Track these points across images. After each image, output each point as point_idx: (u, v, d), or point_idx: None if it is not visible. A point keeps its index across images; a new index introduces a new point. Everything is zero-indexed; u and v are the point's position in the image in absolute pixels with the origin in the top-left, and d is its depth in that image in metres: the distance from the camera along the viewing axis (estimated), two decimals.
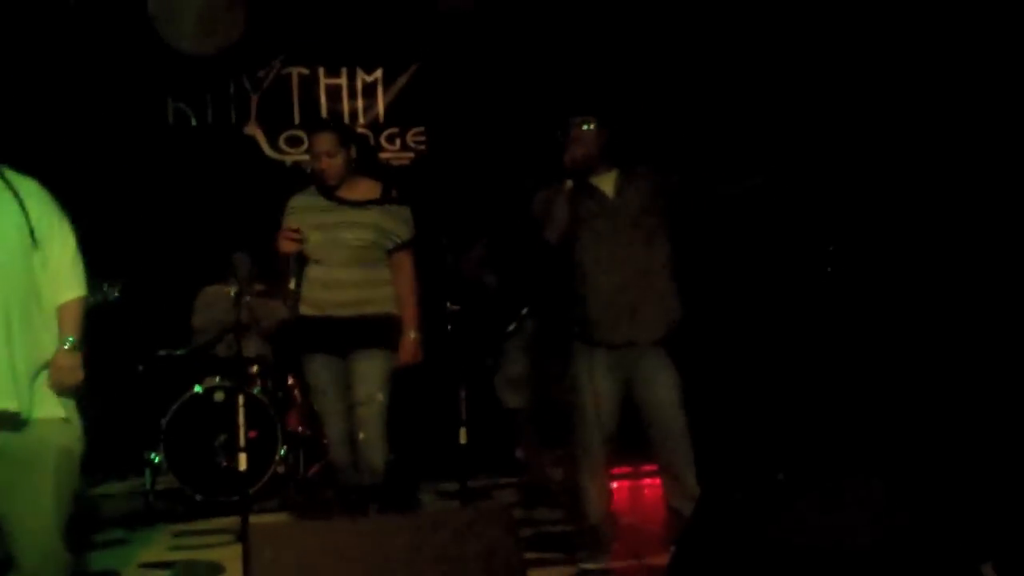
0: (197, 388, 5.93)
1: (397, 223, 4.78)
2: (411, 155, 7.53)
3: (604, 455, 4.45)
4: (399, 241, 4.77)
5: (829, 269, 5.03)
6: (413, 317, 4.77)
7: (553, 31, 7.05)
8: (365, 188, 4.83)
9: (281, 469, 5.92)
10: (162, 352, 6.38)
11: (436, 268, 4.95)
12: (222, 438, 5.84)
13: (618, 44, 6.86)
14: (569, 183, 4.30)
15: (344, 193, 4.78)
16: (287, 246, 4.63)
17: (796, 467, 4.93)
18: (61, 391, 3.61)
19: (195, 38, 6.60)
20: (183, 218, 7.08)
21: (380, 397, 4.69)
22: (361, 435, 4.69)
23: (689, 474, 4.36)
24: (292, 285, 4.67)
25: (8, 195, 3.62)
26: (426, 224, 4.99)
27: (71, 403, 3.68)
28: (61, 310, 3.68)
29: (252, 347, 6.19)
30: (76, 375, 3.64)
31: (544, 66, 7.09)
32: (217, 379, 6.01)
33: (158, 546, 5.25)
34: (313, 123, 5.63)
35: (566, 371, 5.54)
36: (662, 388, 4.38)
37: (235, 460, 5.65)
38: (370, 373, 4.69)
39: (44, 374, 3.62)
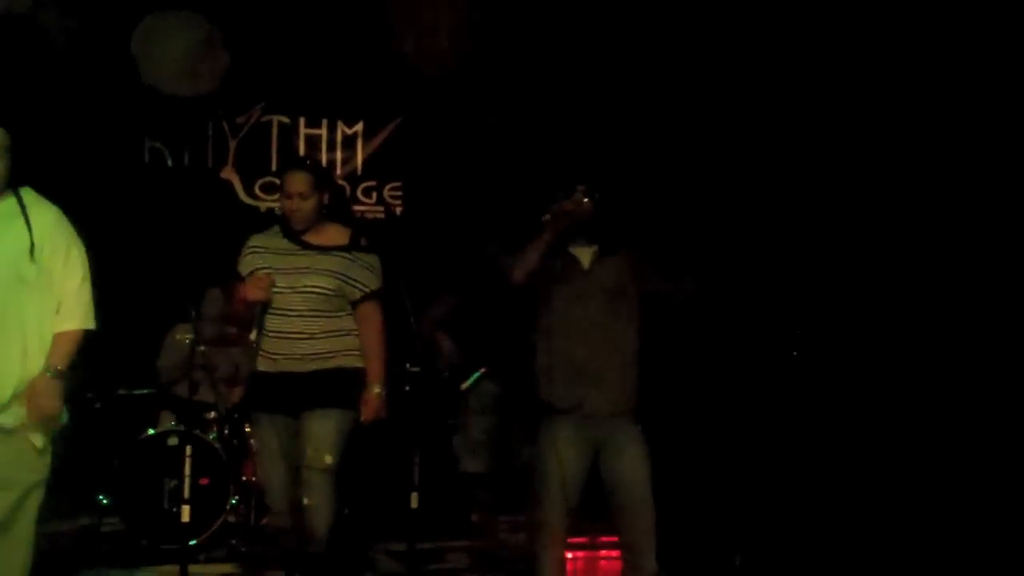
0: (150, 431, 5.84)
1: (364, 272, 4.55)
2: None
3: (564, 527, 4.39)
4: (366, 291, 4.54)
5: (795, 353, 5.04)
6: (379, 372, 4.53)
7: (534, 95, 7.10)
8: (333, 234, 4.60)
9: (232, 518, 5.81)
10: (122, 391, 6.29)
11: (398, 327, 4.85)
12: (172, 483, 5.73)
13: (602, 111, 6.90)
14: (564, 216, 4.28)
15: (310, 238, 4.55)
16: (256, 293, 4.41)
17: (753, 551, 4.95)
18: (38, 418, 3.70)
19: (176, 80, 6.58)
20: (153, 257, 7.02)
21: (329, 460, 4.43)
22: (306, 500, 4.44)
23: (649, 553, 4.31)
24: (254, 336, 4.47)
25: (20, 220, 3.75)
26: (393, 281, 4.93)
27: (47, 438, 3.77)
28: (56, 338, 3.77)
29: (211, 392, 6.12)
30: (51, 403, 3.71)
31: (525, 129, 7.13)
32: (172, 423, 5.92)
33: None
34: (289, 161, 5.44)
35: (528, 436, 5.52)
36: (631, 464, 4.32)
37: (184, 506, 5.62)
38: (322, 435, 4.44)
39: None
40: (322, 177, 4.71)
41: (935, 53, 5.48)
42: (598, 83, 6.86)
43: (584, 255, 4.44)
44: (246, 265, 4.57)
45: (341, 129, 7.52)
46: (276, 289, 4.45)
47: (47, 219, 3.81)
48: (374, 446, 5.30)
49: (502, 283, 4.32)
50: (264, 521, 5.83)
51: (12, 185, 3.84)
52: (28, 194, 3.85)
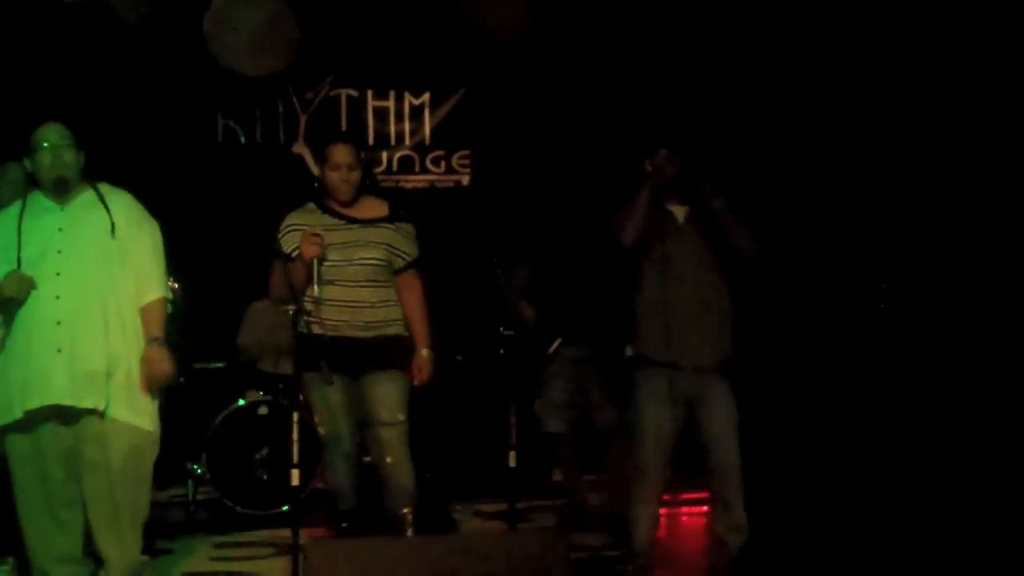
0: (241, 401, 5.99)
1: (406, 242, 4.73)
2: (456, 178, 7.61)
3: (659, 482, 4.49)
4: (408, 259, 4.72)
5: (882, 306, 5.06)
6: (425, 335, 4.72)
7: (601, 58, 7.13)
8: (372, 207, 4.75)
9: (321, 484, 5.96)
10: (198, 365, 6.43)
11: (488, 292, 4.95)
12: (264, 452, 5.90)
13: (669, 72, 6.91)
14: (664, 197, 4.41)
15: (352, 212, 4.69)
16: (311, 250, 4.49)
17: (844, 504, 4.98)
18: (152, 384, 4.02)
19: (248, 59, 6.68)
20: (227, 233, 7.15)
21: (402, 417, 4.66)
22: (388, 458, 4.66)
23: (739, 506, 4.41)
24: (317, 292, 4.48)
25: (100, 208, 4.07)
26: (474, 247, 4.98)
27: (150, 407, 4.06)
28: (144, 311, 4.06)
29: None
30: (165, 368, 4.03)
31: (591, 93, 7.17)
32: (260, 393, 6.08)
33: (199, 556, 5.32)
34: (336, 134, 5.50)
35: (606, 397, 5.62)
36: (720, 419, 4.43)
37: (276, 474, 5.80)
38: (392, 395, 4.65)
39: (122, 376, 3.97)
40: (363, 149, 4.89)
41: None
42: (667, 47, 6.85)
43: (679, 211, 4.56)
44: (289, 243, 4.65)
45: (408, 100, 7.59)
46: (330, 262, 4.55)
47: (123, 202, 4.15)
48: (462, 407, 5.40)
49: (614, 247, 4.42)
50: (319, 484, 5.77)
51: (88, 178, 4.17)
52: (103, 186, 4.18)
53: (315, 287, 4.48)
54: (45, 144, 4.07)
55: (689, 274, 4.44)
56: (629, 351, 4.58)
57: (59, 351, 3.89)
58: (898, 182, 5.72)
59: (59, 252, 3.96)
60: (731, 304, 4.51)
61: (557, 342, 5.82)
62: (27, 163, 4.13)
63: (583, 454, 5.98)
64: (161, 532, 5.62)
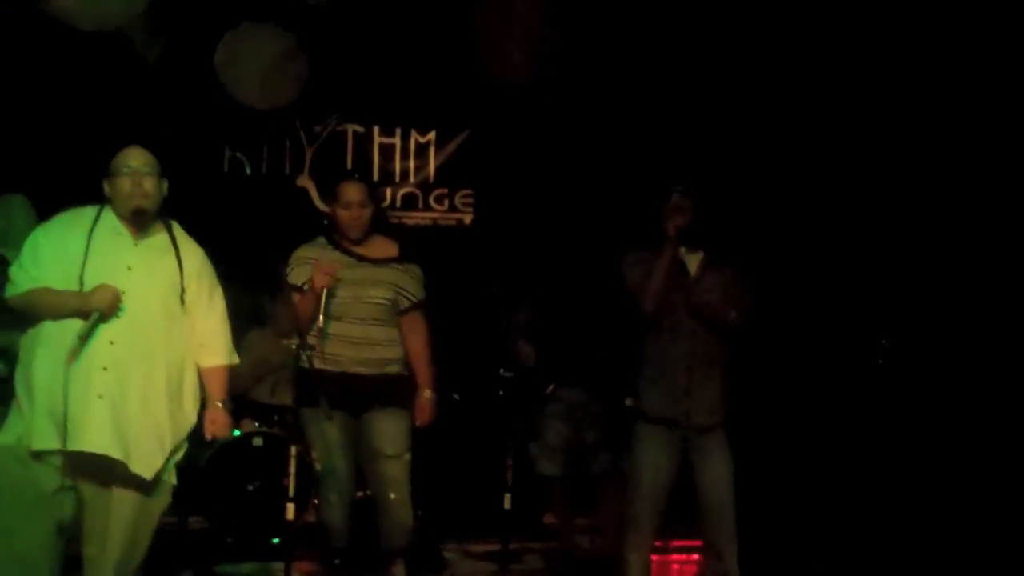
0: (236, 432, 5.99)
1: (413, 283, 4.79)
2: (458, 216, 7.65)
3: (652, 530, 4.48)
4: (414, 300, 4.77)
5: (880, 362, 5.06)
6: (428, 377, 4.76)
7: (605, 102, 7.18)
8: (383, 246, 4.81)
9: (311, 518, 5.95)
10: None
11: (488, 331, 4.96)
12: (257, 483, 5.89)
13: (668, 116, 6.96)
14: (679, 248, 4.37)
15: (363, 250, 4.74)
16: (322, 280, 4.50)
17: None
18: (212, 438, 4.06)
19: (257, 91, 6.73)
20: (228, 263, 7.15)
21: (408, 457, 4.69)
22: (392, 495, 4.68)
23: (731, 555, 4.40)
24: (322, 323, 4.50)
25: (171, 256, 3.91)
26: (475, 285, 4.99)
27: (174, 468, 3.94)
28: (207, 373, 3.99)
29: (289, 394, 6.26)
30: (226, 430, 4.06)
31: (595, 136, 7.22)
32: (256, 424, 6.08)
33: None
34: (347, 172, 5.59)
35: (601, 442, 5.63)
36: (716, 468, 4.44)
37: (268, 506, 5.78)
38: (396, 430, 4.69)
39: (173, 437, 3.89)
40: (372, 187, 4.94)
41: None
42: (670, 89, 6.91)
43: (691, 261, 4.52)
44: (299, 275, 4.70)
45: (414, 138, 7.67)
46: (338, 298, 4.60)
47: (195, 261, 4.02)
48: (456, 446, 5.40)
49: (634, 313, 4.41)
50: (310, 518, 5.79)
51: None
52: (177, 230, 4.03)
53: (321, 319, 4.50)
54: (126, 169, 3.85)
55: (694, 330, 4.41)
56: (628, 402, 4.57)
57: (100, 397, 3.71)
58: (901, 235, 5.73)
59: (124, 293, 3.76)
60: (729, 363, 4.50)
61: (552, 386, 5.84)
62: (105, 187, 3.90)
63: (576, 497, 5.97)
64: (150, 561, 5.60)
